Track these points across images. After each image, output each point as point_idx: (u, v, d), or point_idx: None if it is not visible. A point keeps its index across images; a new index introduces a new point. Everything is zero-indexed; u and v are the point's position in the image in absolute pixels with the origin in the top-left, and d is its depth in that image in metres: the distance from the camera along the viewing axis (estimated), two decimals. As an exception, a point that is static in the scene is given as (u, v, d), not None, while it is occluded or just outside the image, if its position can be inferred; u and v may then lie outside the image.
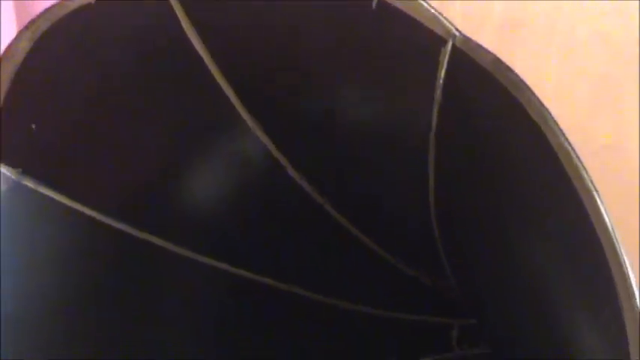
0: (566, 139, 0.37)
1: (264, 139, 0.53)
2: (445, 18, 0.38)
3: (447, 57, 0.38)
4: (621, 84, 0.74)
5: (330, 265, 0.57)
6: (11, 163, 0.49)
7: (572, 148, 0.37)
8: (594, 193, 0.36)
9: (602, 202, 0.36)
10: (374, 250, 0.56)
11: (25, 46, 0.47)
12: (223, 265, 0.54)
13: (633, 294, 0.36)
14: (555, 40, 0.74)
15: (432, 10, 0.38)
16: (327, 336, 0.58)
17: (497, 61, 0.38)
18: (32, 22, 0.46)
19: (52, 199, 0.50)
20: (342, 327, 0.58)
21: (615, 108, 0.74)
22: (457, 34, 0.37)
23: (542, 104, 0.38)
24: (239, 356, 0.56)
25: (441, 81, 0.40)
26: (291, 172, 0.53)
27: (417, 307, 0.59)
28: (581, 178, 0.36)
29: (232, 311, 0.57)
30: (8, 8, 0.77)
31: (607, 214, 0.36)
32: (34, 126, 0.48)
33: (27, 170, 0.49)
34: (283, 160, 0.53)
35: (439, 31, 0.38)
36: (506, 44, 0.73)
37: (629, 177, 0.72)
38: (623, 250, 0.36)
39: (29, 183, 0.49)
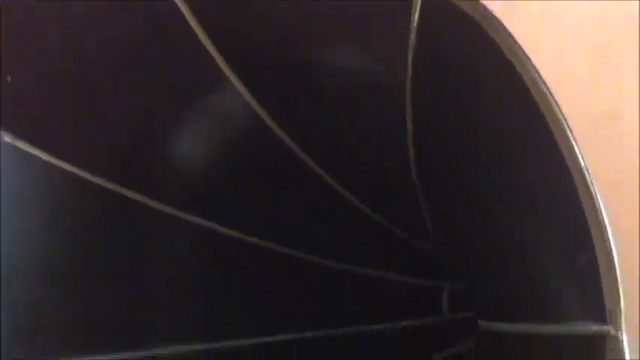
0: (540, 76, 0.36)
1: (249, 98, 0.52)
2: (416, -44, 0.37)
3: (420, -3, 0.37)
4: (620, 52, 0.73)
5: (319, 225, 0.56)
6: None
7: (546, 86, 0.36)
8: (566, 127, 0.35)
9: (575, 141, 0.35)
10: (361, 210, 0.55)
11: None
12: (212, 225, 0.54)
13: (607, 236, 0.35)
14: (553, 9, 0.74)
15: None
16: (318, 312, 0.58)
17: (474, 2, 0.38)
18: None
19: (32, 155, 0.49)
20: (331, 290, 0.57)
21: (614, 76, 0.73)
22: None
23: (516, 43, 0.37)
24: (230, 338, 0.56)
25: (415, 24, 0.39)
26: (277, 130, 0.52)
27: (407, 269, 0.58)
28: (553, 112, 0.35)
29: (221, 292, 0.56)
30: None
31: (581, 154, 0.35)
32: (9, 78, 0.47)
33: (4, 125, 0.49)
34: (268, 119, 0.52)
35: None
36: (503, 14, 0.72)
37: (629, 145, 0.71)
38: (597, 190, 0.35)
39: (7, 138, 0.49)
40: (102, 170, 0.51)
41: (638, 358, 0.36)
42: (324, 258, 0.56)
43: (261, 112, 0.51)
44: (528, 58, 0.37)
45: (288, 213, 0.55)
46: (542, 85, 0.35)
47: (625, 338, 0.35)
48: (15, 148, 0.49)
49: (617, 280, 0.35)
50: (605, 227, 0.35)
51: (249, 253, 0.55)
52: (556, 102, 0.37)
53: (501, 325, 0.43)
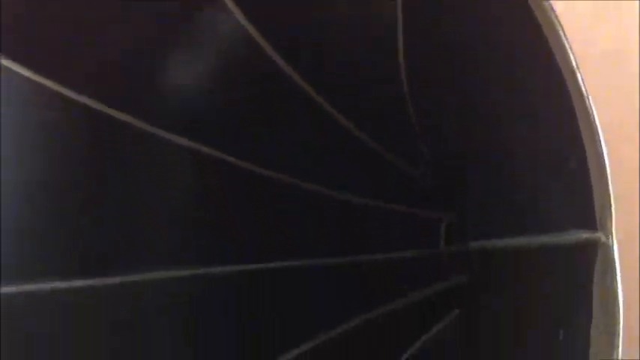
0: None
1: (240, 16, 0.51)
2: None
3: None
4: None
5: (315, 153, 0.55)
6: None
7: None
8: (559, 28, 0.34)
9: (568, 42, 0.34)
10: (359, 138, 0.54)
11: None
12: (200, 147, 0.53)
13: (599, 139, 0.34)
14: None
15: None
16: (309, 241, 0.57)
17: None
18: None
19: (19, 74, 0.49)
20: (322, 219, 0.57)
21: (616, 14, 0.72)
22: None
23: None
24: (215, 265, 0.55)
25: None
26: (267, 48, 0.51)
27: (406, 200, 0.57)
28: (544, 11, 0.34)
29: (207, 218, 0.55)
30: None
31: (572, 52, 0.34)
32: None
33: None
34: (260, 39, 0.51)
35: None
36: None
37: (630, 82, 0.70)
38: (589, 94, 0.34)
39: (-5, 57, 0.48)
40: (89, 90, 0.50)
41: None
42: (314, 184, 0.55)
43: (252, 30, 0.50)
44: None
45: (278, 137, 0.54)
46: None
47: (615, 245, 0.35)
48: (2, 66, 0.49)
49: (607, 186, 0.35)
50: (597, 130, 0.34)
51: (237, 177, 0.54)
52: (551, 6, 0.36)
53: (491, 242, 0.42)
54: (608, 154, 0.34)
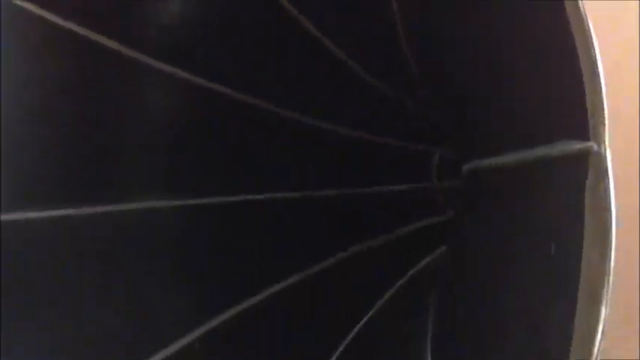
0: None
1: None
2: None
3: None
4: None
5: (304, 83, 0.54)
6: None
7: None
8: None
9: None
10: (350, 67, 0.53)
11: None
12: (187, 76, 0.52)
13: (592, 45, 0.34)
14: None
15: None
16: (298, 173, 0.57)
17: None
18: None
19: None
20: (310, 151, 0.56)
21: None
22: None
23: None
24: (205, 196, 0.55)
25: None
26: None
27: (399, 132, 0.57)
28: None
29: (197, 147, 0.55)
30: None
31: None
32: None
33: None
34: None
35: None
36: None
37: (629, 26, 0.70)
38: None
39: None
40: (74, 16, 0.49)
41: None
42: (304, 115, 0.54)
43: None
44: None
45: (267, 66, 0.54)
46: None
47: (608, 154, 0.34)
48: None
49: (601, 95, 0.34)
50: (591, 37, 0.34)
51: (226, 108, 0.53)
52: None
53: (484, 161, 0.42)
54: (602, 63, 0.34)
